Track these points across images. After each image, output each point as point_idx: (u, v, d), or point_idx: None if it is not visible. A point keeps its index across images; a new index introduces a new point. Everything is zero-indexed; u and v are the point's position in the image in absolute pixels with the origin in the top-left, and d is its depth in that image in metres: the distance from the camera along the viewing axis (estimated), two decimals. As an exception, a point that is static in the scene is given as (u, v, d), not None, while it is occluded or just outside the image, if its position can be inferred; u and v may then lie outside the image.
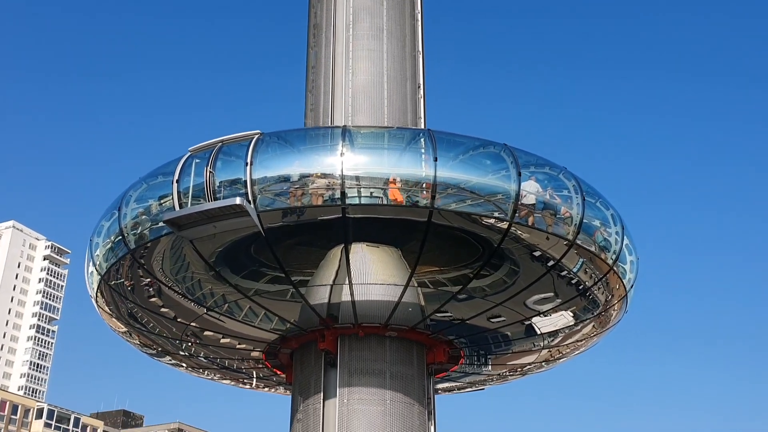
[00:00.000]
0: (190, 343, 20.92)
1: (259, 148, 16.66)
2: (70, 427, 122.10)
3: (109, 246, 18.30)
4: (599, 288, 19.48)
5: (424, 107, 21.97)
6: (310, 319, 18.94)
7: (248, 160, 16.36)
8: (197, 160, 17.20)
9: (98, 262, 18.68)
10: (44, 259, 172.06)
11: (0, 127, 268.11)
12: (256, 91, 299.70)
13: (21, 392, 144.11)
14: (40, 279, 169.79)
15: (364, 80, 21.70)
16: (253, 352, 21.15)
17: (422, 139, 17.40)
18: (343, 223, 16.59)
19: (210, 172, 16.57)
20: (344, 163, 16.39)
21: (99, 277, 18.85)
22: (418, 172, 16.87)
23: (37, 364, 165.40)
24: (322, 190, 16.40)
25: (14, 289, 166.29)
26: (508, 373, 23.59)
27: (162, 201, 17.27)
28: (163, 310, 19.25)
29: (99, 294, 19.52)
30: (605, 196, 19.33)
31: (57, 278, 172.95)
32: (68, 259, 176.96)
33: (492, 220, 16.86)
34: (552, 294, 19.05)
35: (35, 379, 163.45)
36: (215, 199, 16.41)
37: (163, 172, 17.80)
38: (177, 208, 16.59)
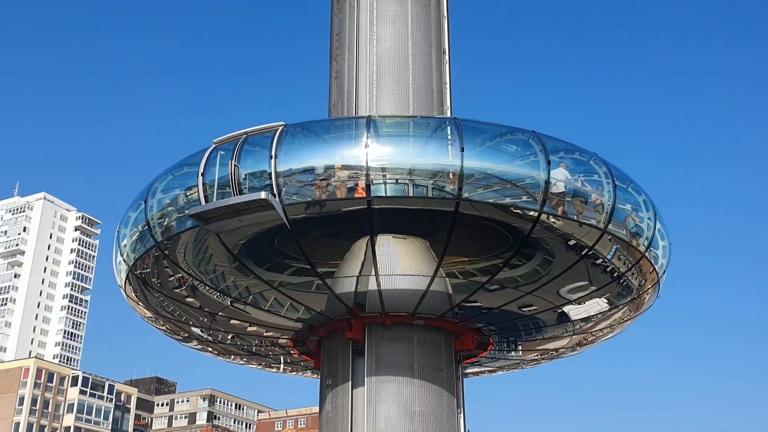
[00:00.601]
0: (216, 331, 20.99)
1: (284, 140, 16.49)
2: (105, 393, 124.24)
3: (136, 237, 18.31)
4: (633, 274, 19.15)
5: (450, 73, 21.61)
6: (337, 308, 18.88)
7: (272, 153, 16.20)
8: (222, 152, 17.09)
9: (125, 253, 18.72)
10: (75, 230, 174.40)
11: (27, 98, 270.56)
12: (281, 58, 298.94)
13: (56, 360, 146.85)
14: (71, 249, 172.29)
15: (388, 46, 21.39)
16: (280, 340, 21.18)
17: (448, 128, 17.11)
18: (368, 215, 16.41)
19: (235, 165, 16.43)
20: (369, 155, 16.17)
21: (126, 267, 18.90)
22: (445, 162, 16.60)
23: (71, 333, 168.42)
24: (347, 181, 16.22)
25: (47, 260, 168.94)
26: (538, 358, 23.44)
27: (188, 193, 17.19)
28: (188, 300, 19.29)
29: (127, 283, 19.60)
30: (636, 181, 18.99)
31: (88, 248, 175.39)
32: (99, 230, 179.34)
33: (521, 210, 16.58)
34: (586, 282, 18.79)
35: (70, 347, 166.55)
36: (240, 192, 16.30)
37: (188, 163, 17.72)
38: (203, 201, 16.49)
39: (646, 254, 18.54)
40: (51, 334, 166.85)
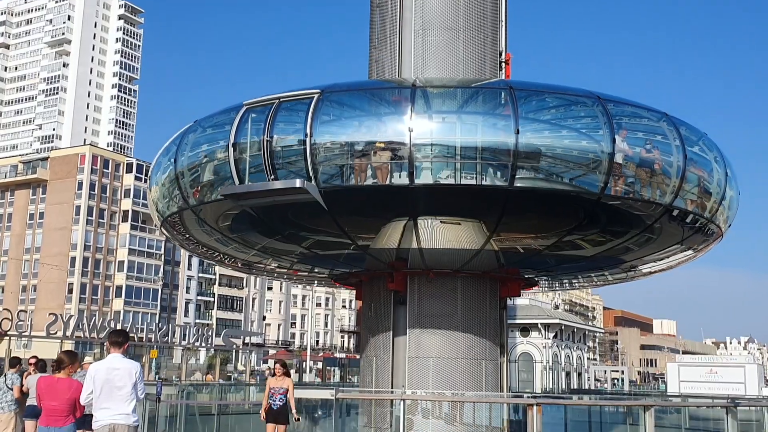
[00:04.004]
0: (254, 267, 20.58)
1: (319, 112, 14.90)
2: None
3: (166, 193, 17.42)
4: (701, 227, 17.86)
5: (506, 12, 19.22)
6: (377, 264, 18.15)
7: (308, 131, 14.65)
8: (254, 115, 15.62)
9: (157, 205, 17.95)
10: (119, 19, 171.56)
11: None
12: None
13: (110, 148, 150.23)
14: (117, 39, 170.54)
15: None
16: (319, 276, 20.76)
17: (502, 99, 15.25)
18: (411, 196, 15.14)
19: (267, 140, 15.04)
20: (413, 132, 14.52)
21: (160, 218, 18.21)
22: (498, 140, 14.94)
23: (122, 122, 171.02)
24: (389, 162, 14.79)
25: (93, 49, 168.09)
26: (586, 285, 22.78)
27: (218, 159, 15.97)
28: (224, 250, 18.70)
29: (162, 228, 19.03)
30: (706, 134, 17.14)
31: (133, 38, 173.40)
32: (142, 18, 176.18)
33: (580, 194, 15.13)
34: (655, 243, 17.63)
35: (122, 136, 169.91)
36: (274, 169, 15.05)
37: (220, 123, 16.36)
38: (234, 176, 15.32)
39: (717, 212, 17.13)
40: (103, 123, 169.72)
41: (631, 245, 17.94)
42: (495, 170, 14.79)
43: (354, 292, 22.57)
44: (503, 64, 19.56)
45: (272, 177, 14.93)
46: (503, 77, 19.36)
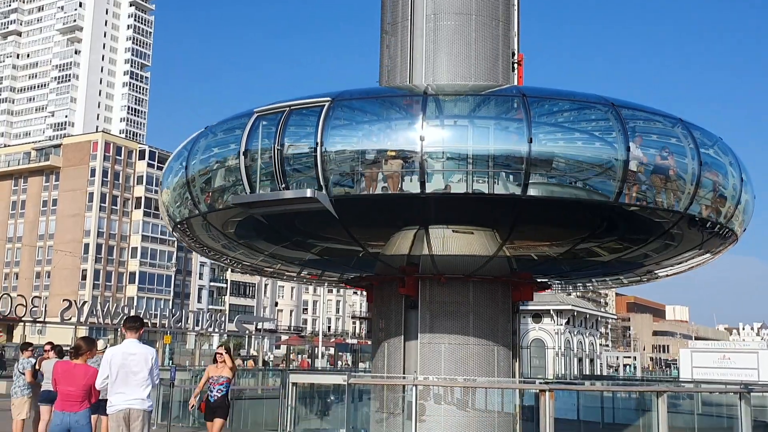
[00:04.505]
0: (263, 268, 20.57)
1: (330, 121, 14.78)
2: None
3: (178, 199, 17.39)
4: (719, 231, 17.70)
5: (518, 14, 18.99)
6: (388, 270, 18.06)
7: (318, 140, 14.55)
8: (264, 122, 15.53)
9: (169, 210, 17.93)
10: (130, 6, 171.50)
11: None
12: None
13: (122, 135, 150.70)
14: (128, 26, 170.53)
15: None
16: (329, 279, 20.71)
17: (514, 107, 15.06)
18: (422, 205, 15.04)
19: (278, 149, 14.95)
20: (425, 141, 14.37)
21: (172, 223, 18.20)
22: (510, 149, 14.80)
23: (135, 109, 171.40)
24: (400, 171, 14.67)
25: (105, 36, 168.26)
26: (600, 288, 22.64)
27: (229, 166, 15.91)
28: (232, 255, 18.68)
29: (174, 230, 19.02)
30: (721, 138, 16.93)
31: (145, 25, 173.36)
32: (153, 5, 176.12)
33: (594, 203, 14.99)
34: (673, 249, 17.49)
35: (134, 123, 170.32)
36: (285, 177, 14.96)
37: (231, 127, 16.30)
38: (245, 183, 15.26)
39: (733, 218, 16.95)
40: (115, 110, 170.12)
41: (650, 252, 17.80)
42: (507, 178, 14.66)
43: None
44: (516, 65, 19.39)
45: (283, 185, 14.87)
46: (515, 72, 19.21)
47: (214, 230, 17.68)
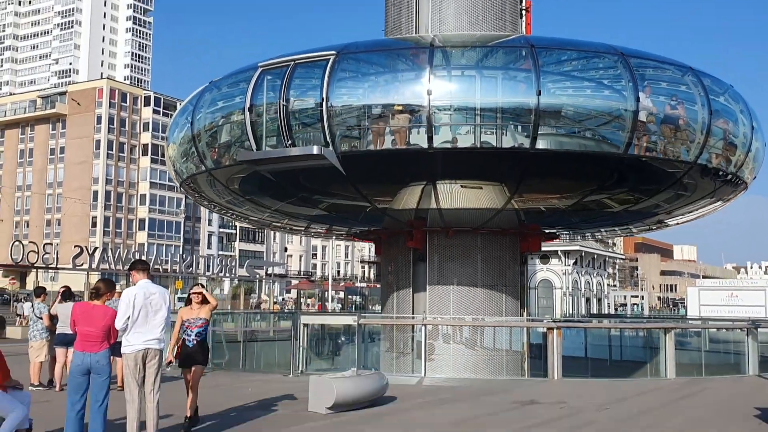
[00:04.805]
0: (272, 221, 20.55)
1: (335, 75, 14.56)
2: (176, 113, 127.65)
3: (184, 155, 17.30)
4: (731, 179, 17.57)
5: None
6: (395, 223, 18.02)
7: (324, 95, 14.37)
8: (269, 77, 15.33)
9: (176, 166, 17.86)
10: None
11: None
12: None
13: (127, 82, 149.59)
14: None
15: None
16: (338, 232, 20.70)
17: (522, 58, 14.79)
18: (429, 160, 14.90)
19: (283, 104, 14.79)
20: (432, 94, 14.18)
21: (180, 179, 18.16)
22: (518, 101, 14.59)
23: (139, 55, 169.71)
24: (407, 125, 14.51)
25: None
26: (608, 237, 22.57)
27: (234, 121, 15.76)
28: (239, 210, 18.63)
29: (182, 186, 19.00)
30: (732, 86, 16.65)
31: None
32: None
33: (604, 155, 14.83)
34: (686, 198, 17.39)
35: (138, 69, 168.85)
36: (291, 133, 14.84)
37: (236, 81, 16.10)
38: (251, 139, 15.13)
39: (743, 165, 16.78)
40: (119, 56, 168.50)
41: (661, 202, 17.70)
42: (516, 130, 14.51)
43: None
44: (523, 12, 19.03)
45: (289, 141, 14.76)
46: (523, 19, 18.87)
47: (219, 186, 17.64)
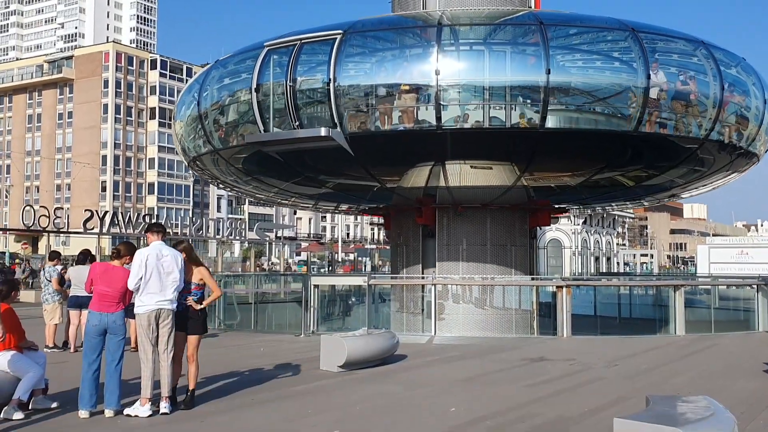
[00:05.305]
0: (281, 197, 20.52)
1: (343, 55, 14.41)
2: (183, 76, 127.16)
3: (192, 133, 17.24)
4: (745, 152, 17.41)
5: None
6: (404, 201, 17.96)
7: (331, 76, 14.26)
8: (275, 56, 15.18)
9: (184, 146, 17.81)
10: None
11: None
12: None
13: (133, 45, 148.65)
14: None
15: None
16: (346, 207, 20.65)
17: (531, 35, 14.57)
18: (438, 140, 14.79)
19: (290, 85, 14.66)
20: (440, 74, 14.03)
21: (187, 158, 18.11)
22: (528, 79, 14.40)
23: (144, 18, 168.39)
24: (415, 104, 14.38)
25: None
26: (619, 211, 22.46)
27: (241, 101, 15.66)
28: (246, 189, 18.58)
29: (190, 165, 18.97)
30: (744, 59, 16.41)
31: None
32: None
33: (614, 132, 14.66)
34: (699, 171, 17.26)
35: (144, 32, 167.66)
36: (298, 113, 14.73)
37: (242, 59, 15.96)
38: (258, 120, 15.05)
39: (755, 140, 16.59)
40: (125, 20, 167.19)
41: (674, 177, 17.57)
42: (525, 110, 14.37)
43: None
44: None
45: (296, 121, 14.67)
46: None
47: (223, 164, 17.60)
